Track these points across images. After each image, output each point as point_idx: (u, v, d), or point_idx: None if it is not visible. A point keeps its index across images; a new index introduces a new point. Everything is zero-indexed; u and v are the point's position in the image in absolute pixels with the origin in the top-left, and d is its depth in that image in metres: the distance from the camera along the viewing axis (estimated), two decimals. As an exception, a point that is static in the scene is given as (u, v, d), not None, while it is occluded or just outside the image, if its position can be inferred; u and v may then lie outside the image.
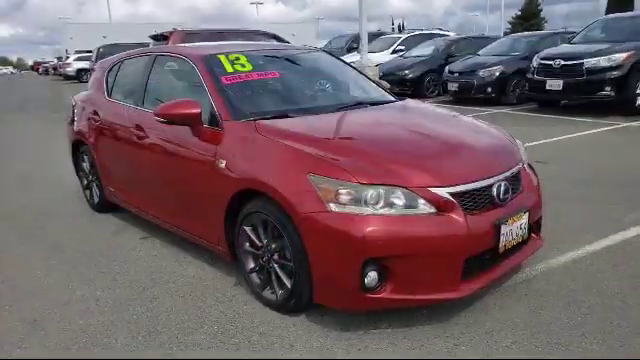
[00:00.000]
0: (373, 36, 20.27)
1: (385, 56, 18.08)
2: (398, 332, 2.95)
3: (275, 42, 10.00)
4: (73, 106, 5.67)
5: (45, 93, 27.11)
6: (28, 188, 6.64)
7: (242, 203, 3.31)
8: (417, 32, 20.52)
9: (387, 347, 2.83)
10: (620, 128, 9.05)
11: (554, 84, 10.55)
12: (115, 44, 22.62)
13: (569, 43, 11.77)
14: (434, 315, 3.08)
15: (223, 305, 3.36)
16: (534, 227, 3.42)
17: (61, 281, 3.83)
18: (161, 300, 3.47)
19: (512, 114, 11.47)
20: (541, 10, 60.54)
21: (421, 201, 2.80)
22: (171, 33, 11.15)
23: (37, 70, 74.60)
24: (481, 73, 12.99)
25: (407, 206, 2.79)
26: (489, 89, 12.88)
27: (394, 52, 18.44)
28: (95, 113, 5.06)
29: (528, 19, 57.07)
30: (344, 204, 2.77)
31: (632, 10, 28.90)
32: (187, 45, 4.87)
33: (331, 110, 3.85)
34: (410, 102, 4.48)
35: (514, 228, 3.07)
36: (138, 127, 4.27)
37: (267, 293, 3.28)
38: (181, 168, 3.83)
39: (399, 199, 2.79)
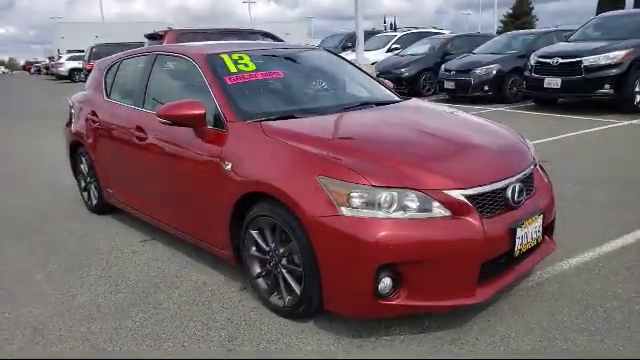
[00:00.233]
0: (368, 34, 20.16)
1: (380, 54, 18.03)
2: (411, 338, 2.87)
3: (271, 41, 9.92)
4: (70, 107, 5.56)
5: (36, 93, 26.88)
6: (24, 190, 6.52)
7: (248, 206, 3.22)
8: (412, 30, 20.48)
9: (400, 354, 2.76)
10: (620, 126, 9.01)
11: (552, 82, 10.52)
12: (109, 43, 22.50)
13: (566, 41, 11.73)
14: (446, 320, 3.00)
15: (229, 311, 3.28)
16: (547, 230, 3.34)
17: (60, 287, 3.73)
18: (165, 306, 3.38)
19: (509, 112, 11.44)
20: (532, 8, 61.11)
21: (435, 204, 2.72)
22: (166, 32, 11.08)
23: (29, 70, 74.47)
24: (478, 71, 12.97)
25: (421, 209, 2.71)
26: (486, 87, 12.87)
27: (389, 50, 18.40)
28: (93, 114, 4.96)
29: (519, 17, 57.49)
30: (356, 207, 2.69)
31: (623, 9, 29.02)
32: (189, 44, 4.77)
33: (337, 110, 3.77)
34: (416, 102, 4.41)
35: (529, 231, 3.00)
36: (139, 128, 4.18)
37: (274, 299, 3.20)
38: (184, 170, 3.74)
39: (413, 202, 2.71)
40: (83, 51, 28.86)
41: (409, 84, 15.12)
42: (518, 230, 2.91)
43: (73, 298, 3.56)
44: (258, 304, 3.32)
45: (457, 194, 2.76)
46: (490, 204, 2.86)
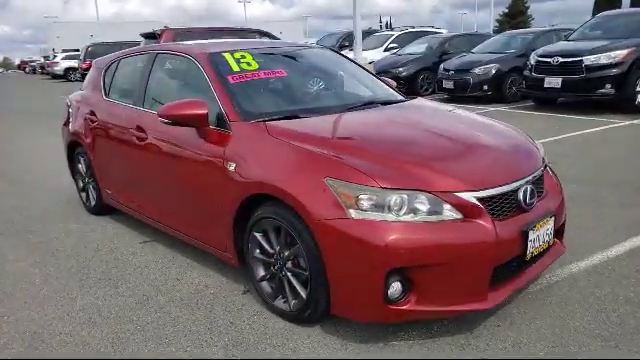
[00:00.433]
0: (365, 34, 20.10)
1: (378, 54, 17.92)
2: (420, 344, 2.81)
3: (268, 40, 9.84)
4: (68, 106, 5.48)
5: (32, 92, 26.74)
6: (21, 191, 6.43)
7: (252, 208, 3.15)
8: (410, 29, 20.38)
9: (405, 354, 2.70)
10: (621, 126, 8.96)
11: (553, 81, 10.47)
12: (105, 43, 22.40)
13: (566, 40, 11.68)
14: (456, 325, 2.94)
15: (232, 315, 3.20)
16: (557, 232, 3.28)
17: (60, 290, 3.65)
18: (167, 310, 3.30)
19: (509, 112, 11.38)
20: (528, 7, 61.24)
21: (446, 206, 2.65)
22: (163, 31, 10.98)
23: (24, 69, 74.34)
24: (477, 71, 12.90)
25: (432, 212, 2.64)
26: (485, 87, 12.80)
27: (387, 50, 18.32)
28: (92, 113, 4.87)
29: (515, 17, 57.63)
30: (365, 210, 2.62)
31: (620, 8, 29.01)
32: (189, 43, 4.69)
33: (342, 110, 3.69)
34: (422, 101, 4.34)
35: (541, 234, 2.94)
36: (139, 128, 4.10)
37: (279, 302, 3.12)
38: (185, 171, 3.66)
39: (423, 205, 2.64)
40: (78, 50, 28.78)
41: (407, 83, 15.00)
42: (530, 233, 2.84)
43: (73, 301, 3.48)
44: (262, 308, 3.25)
45: (468, 196, 2.69)
46: (502, 206, 2.80)
